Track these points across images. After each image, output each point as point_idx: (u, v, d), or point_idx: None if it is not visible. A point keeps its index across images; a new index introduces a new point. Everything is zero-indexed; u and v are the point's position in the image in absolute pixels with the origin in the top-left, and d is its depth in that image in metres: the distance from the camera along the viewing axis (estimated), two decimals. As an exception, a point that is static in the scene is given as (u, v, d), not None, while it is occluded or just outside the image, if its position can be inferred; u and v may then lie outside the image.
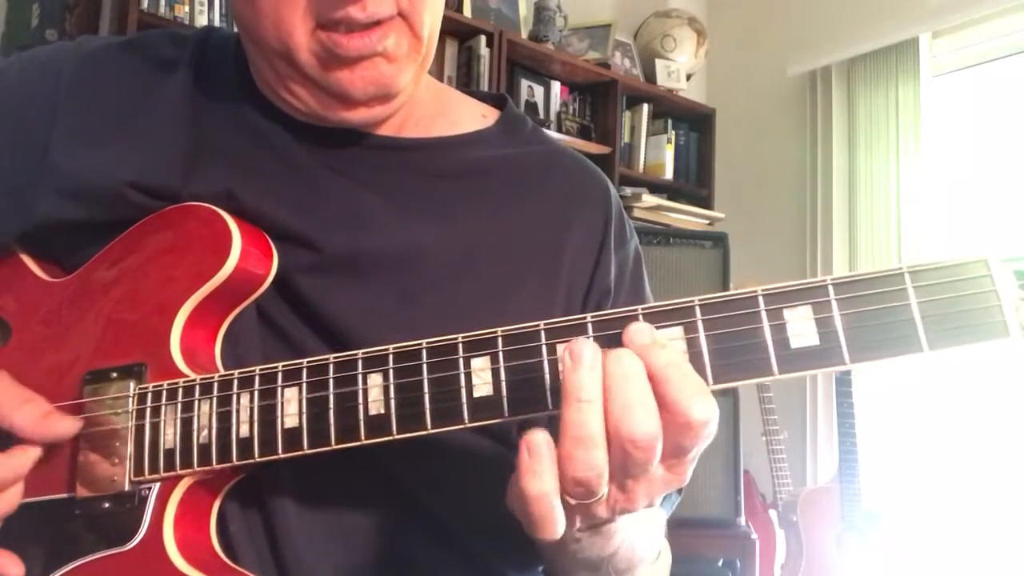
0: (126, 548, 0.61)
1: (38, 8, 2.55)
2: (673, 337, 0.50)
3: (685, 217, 3.47)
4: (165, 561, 0.60)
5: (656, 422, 0.47)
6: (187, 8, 2.65)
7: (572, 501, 0.48)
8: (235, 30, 0.73)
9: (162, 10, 2.60)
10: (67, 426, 0.63)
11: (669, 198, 3.53)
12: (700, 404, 0.47)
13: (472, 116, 0.79)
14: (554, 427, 0.72)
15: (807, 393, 3.39)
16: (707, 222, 3.53)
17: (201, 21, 2.68)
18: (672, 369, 0.47)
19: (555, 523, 0.48)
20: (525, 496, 0.47)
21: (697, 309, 0.50)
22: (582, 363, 0.47)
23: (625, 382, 0.47)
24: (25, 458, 0.63)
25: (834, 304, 0.48)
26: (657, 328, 0.50)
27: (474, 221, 0.72)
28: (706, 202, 3.75)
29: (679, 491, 0.68)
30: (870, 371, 2.99)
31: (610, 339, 0.50)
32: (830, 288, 0.48)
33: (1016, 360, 2.62)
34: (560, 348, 0.51)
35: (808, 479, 3.32)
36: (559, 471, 0.47)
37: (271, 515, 0.64)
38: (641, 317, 0.50)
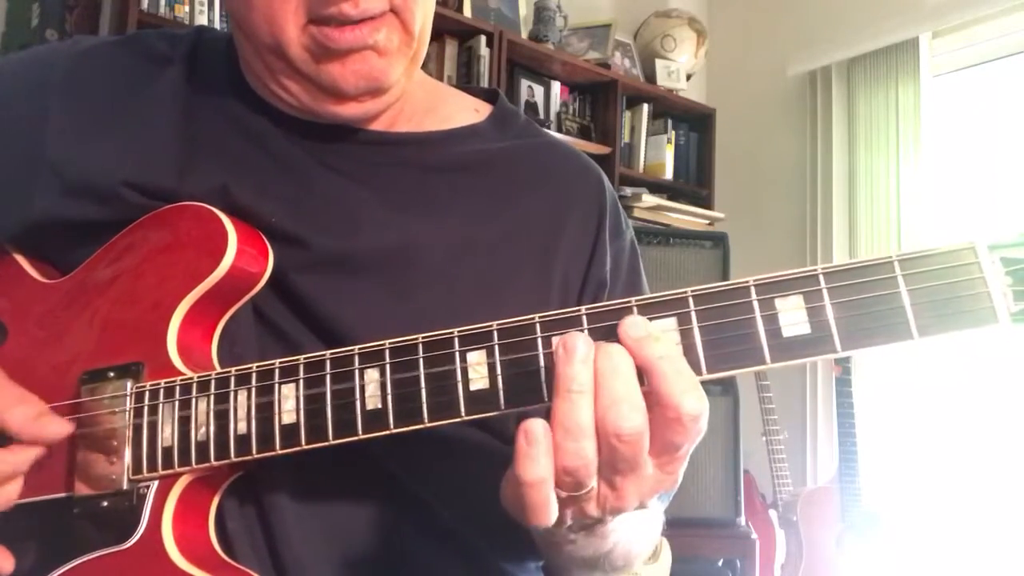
0: (125, 546, 0.61)
1: (38, 8, 2.55)
2: (667, 328, 0.50)
3: (685, 217, 3.47)
4: (164, 558, 0.60)
5: (642, 418, 0.47)
6: (187, 8, 2.65)
7: (563, 493, 0.48)
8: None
9: (162, 10, 2.60)
10: (58, 428, 0.63)
11: (669, 198, 3.53)
12: (690, 398, 0.47)
13: (464, 110, 0.79)
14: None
15: (807, 393, 3.39)
16: (707, 222, 3.52)
17: (201, 21, 2.68)
18: (665, 363, 0.47)
19: (548, 511, 0.48)
20: (520, 482, 0.48)
21: (690, 300, 0.50)
22: (574, 355, 0.47)
23: (613, 377, 0.47)
24: (25, 455, 0.63)
25: (825, 293, 0.48)
26: (651, 319, 0.50)
27: (468, 215, 0.72)
28: (706, 202, 3.74)
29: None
30: (871, 369, 3.00)
31: (606, 331, 0.50)
32: (821, 277, 0.48)
33: (1005, 346, 2.62)
34: (556, 340, 0.51)
35: (808, 479, 3.31)
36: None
37: (269, 512, 0.64)
38: (635, 309, 0.51)
